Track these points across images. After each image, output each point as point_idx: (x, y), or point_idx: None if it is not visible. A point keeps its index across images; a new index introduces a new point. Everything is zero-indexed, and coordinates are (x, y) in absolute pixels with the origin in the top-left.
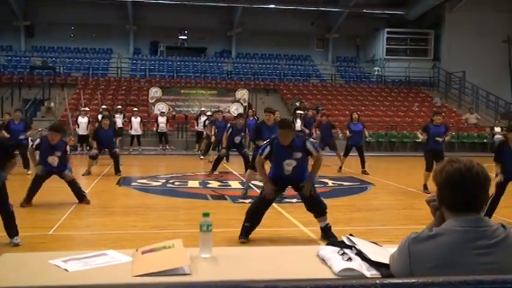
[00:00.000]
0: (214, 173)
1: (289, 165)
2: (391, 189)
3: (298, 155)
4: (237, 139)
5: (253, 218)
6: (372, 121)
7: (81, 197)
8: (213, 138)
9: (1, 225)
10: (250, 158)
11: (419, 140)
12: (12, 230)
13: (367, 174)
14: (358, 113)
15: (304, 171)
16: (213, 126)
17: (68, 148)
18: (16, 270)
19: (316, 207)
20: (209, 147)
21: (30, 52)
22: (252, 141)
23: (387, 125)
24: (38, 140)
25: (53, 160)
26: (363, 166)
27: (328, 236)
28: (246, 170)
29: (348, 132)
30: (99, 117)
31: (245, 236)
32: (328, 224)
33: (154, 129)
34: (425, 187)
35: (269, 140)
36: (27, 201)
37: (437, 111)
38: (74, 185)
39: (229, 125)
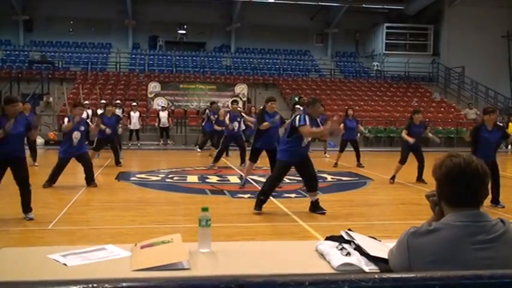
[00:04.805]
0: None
1: (306, 138)
2: (390, 184)
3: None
4: (235, 125)
5: (268, 193)
6: (370, 116)
7: (90, 180)
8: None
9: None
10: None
11: (411, 143)
12: (27, 207)
13: (362, 167)
14: (353, 109)
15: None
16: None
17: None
18: (15, 264)
19: (313, 181)
20: (206, 141)
21: (29, 46)
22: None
23: (386, 120)
24: (66, 119)
25: (77, 135)
26: (358, 160)
27: (318, 210)
28: (242, 163)
29: (342, 126)
30: (99, 112)
31: (260, 207)
32: (318, 199)
33: (156, 124)
34: (393, 178)
35: (302, 114)
36: (50, 182)
37: (417, 110)
38: (89, 166)
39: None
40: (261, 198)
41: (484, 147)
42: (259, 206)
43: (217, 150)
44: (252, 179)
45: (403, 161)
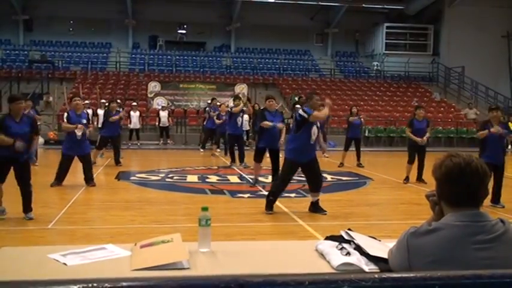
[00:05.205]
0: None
1: (314, 133)
2: (390, 184)
3: (318, 123)
4: (239, 120)
5: (276, 194)
6: (370, 116)
7: (89, 179)
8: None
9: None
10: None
11: (421, 142)
12: (28, 207)
13: (362, 167)
14: (358, 107)
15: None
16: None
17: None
18: (15, 263)
19: (318, 182)
20: (206, 140)
21: (28, 46)
22: (254, 131)
23: (386, 120)
24: (66, 114)
25: (80, 128)
26: (358, 159)
27: (318, 210)
28: (241, 162)
29: (351, 119)
30: (99, 111)
31: (271, 208)
32: (318, 199)
33: (157, 123)
34: (407, 179)
35: (306, 108)
36: (58, 181)
37: (419, 106)
38: (89, 167)
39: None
40: (270, 198)
41: (492, 144)
42: (270, 206)
43: (229, 152)
44: (251, 178)
45: (411, 161)
